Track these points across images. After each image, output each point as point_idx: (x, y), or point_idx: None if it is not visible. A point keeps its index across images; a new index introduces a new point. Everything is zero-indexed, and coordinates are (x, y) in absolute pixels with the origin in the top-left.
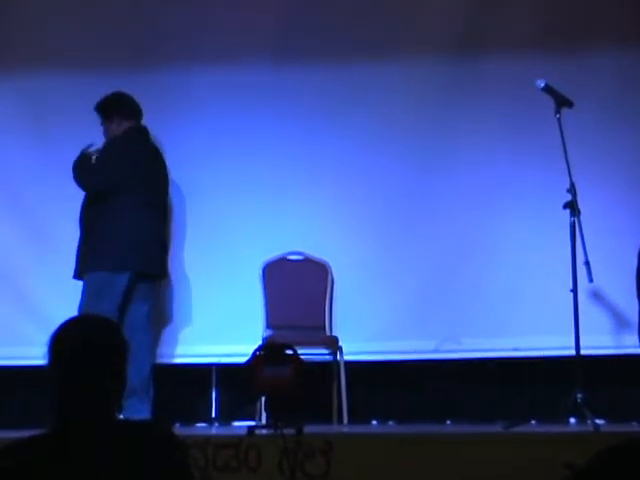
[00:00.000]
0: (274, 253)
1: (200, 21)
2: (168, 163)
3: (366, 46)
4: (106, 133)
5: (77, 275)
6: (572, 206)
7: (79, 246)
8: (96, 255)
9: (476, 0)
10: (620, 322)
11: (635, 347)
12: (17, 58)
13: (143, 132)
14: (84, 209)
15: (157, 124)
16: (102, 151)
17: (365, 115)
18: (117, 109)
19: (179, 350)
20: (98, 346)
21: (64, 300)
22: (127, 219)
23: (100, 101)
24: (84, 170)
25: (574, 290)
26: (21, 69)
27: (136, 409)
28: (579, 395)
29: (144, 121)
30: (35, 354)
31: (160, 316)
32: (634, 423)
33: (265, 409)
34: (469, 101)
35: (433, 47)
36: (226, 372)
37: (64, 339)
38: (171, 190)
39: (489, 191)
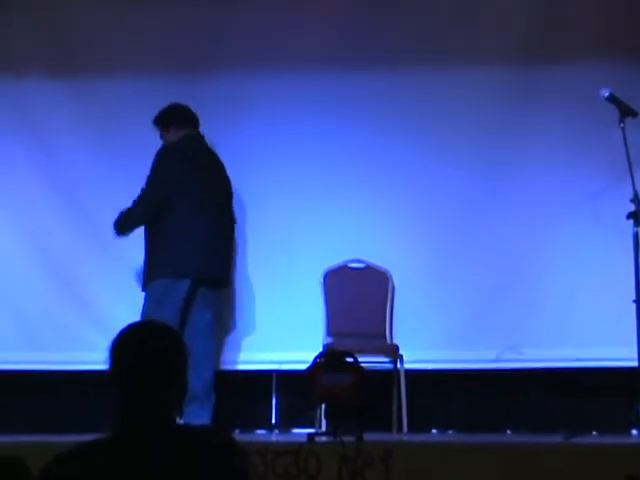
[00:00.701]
0: (335, 261)
1: (262, 28)
2: (228, 171)
3: (431, 56)
4: (164, 143)
5: (143, 287)
6: (636, 216)
7: (144, 259)
8: (157, 264)
9: (540, 10)
10: None
11: None
12: (81, 64)
13: (198, 139)
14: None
15: (217, 132)
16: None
17: (428, 125)
18: (173, 118)
19: (240, 356)
20: (157, 351)
21: (126, 307)
22: (185, 225)
23: (157, 113)
24: (134, 209)
25: (637, 301)
26: (85, 75)
27: (197, 415)
28: None
29: (203, 129)
30: (97, 359)
31: (223, 323)
32: None
33: (325, 416)
34: (531, 111)
35: (497, 57)
36: (287, 379)
37: (124, 344)
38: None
39: (550, 201)
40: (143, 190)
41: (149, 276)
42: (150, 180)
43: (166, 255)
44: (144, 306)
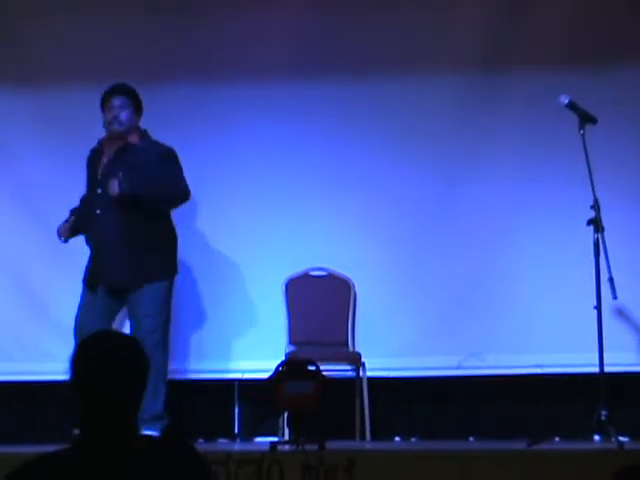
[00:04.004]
0: (297, 269)
1: (218, 34)
2: (189, 178)
3: (396, 64)
4: (125, 123)
5: (127, 284)
6: (596, 222)
7: (120, 254)
8: (165, 263)
9: (499, 17)
10: None
11: None
12: (39, 75)
13: None
14: (116, 216)
15: (178, 139)
16: (167, 158)
17: (391, 132)
18: (142, 108)
19: (202, 365)
20: (119, 361)
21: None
22: (173, 227)
23: (133, 90)
24: (170, 185)
25: (598, 307)
26: (43, 85)
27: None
28: (603, 412)
29: (164, 137)
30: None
31: (183, 332)
32: None
33: (287, 425)
34: (493, 118)
35: (461, 65)
36: (249, 388)
37: (86, 355)
38: (190, 205)
39: (512, 207)
40: (176, 179)
41: (152, 274)
42: (181, 175)
43: (172, 256)
44: (155, 305)
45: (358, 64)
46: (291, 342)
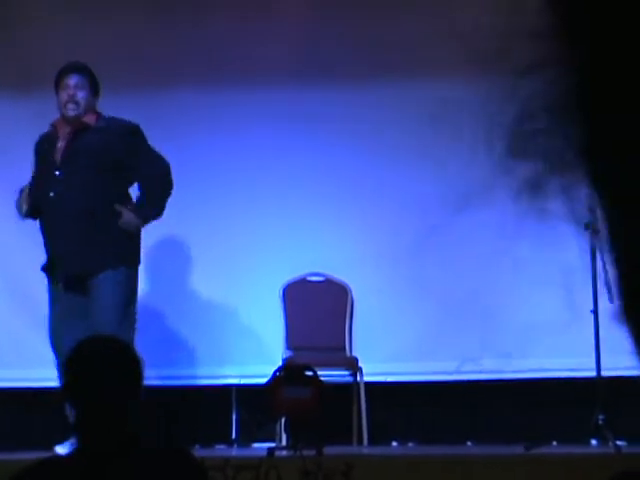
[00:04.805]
0: (295, 274)
1: (219, 36)
2: (183, 182)
3: (396, 70)
4: (81, 104)
5: (83, 272)
6: (592, 226)
7: (74, 240)
8: (124, 250)
9: (500, 21)
10: None
11: None
12: (42, 77)
13: None
14: (78, 199)
15: (170, 141)
16: (142, 144)
17: (391, 137)
18: (99, 87)
19: (199, 371)
20: (115, 367)
21: None
22: None
23: (88, 67)
24: (163, 183)
25: (595, 311)
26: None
27: None
28: (600, 416)
29: (163, 140)
30: (55, 376)
31: (180, 337)
32: None
33: (285, 430)
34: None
35: (459, 70)
36: (246, 393)
37: (80, 361)
38: (188, 210)
39: (509, 216)
40: (155, 161)
41: (115, 259)
42: (154, 151)
43: (133, 243)
44: (121, 291)
45: (359, 68)
46: (288, 347)
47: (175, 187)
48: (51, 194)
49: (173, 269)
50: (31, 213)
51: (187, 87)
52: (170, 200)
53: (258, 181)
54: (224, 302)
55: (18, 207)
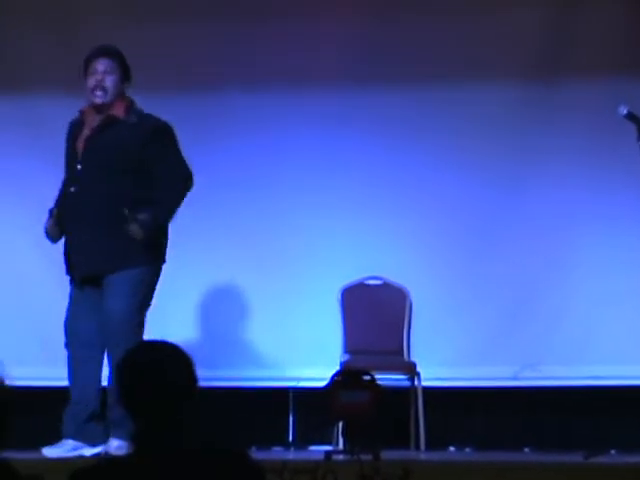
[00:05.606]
0: (353, 278)
1: (265, 40)
2: (236, 181)
3: (448, 71)
4: (109, 90)
5: (101, 270)
6: None
7: (94, 236)
8: (146, 248)
9: (554, 25)
10: None
11: None
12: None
13: None
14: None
15: (225, 145)
16: (169, 146)
17: (446, 141)
18: (130, 74)
19: (257, 373)
20: (174, 372)
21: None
22: None
23: (119, 50)
24: (174, 189)
25: None
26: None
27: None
28: None
29: (205, 141)
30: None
31: (238, 339)
32: None
33: (342, 434)
34: (548, 126)
35: (513, 72)
36: (303, 395)
37: (139, 366)
38: (247, 212)
39: (569, 217)
40: (174, 166)
41: (126, 260)
42: (179, 155)
43: (154, 242)
44: (129, 295)
45: (407, 71)
46: (346, 351)
47: (228, 187)
48: (72, 189)
49: (234, 271)
50: (60, 237)
51: (234, 89)
52: (227, 200)
53: (316, 184)
54: (283, 305)
55: (47, 235)
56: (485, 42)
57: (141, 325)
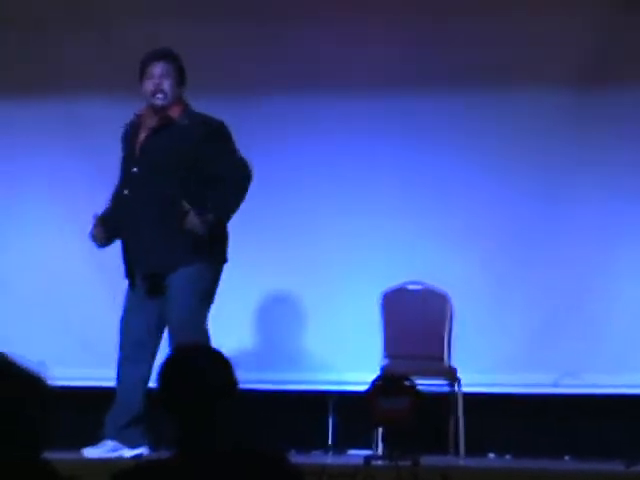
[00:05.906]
0: (394, 282)
1: (317, 46)
2: (281, 188)
3: (496, 78)
4: (168, 94)
5: (160, 270)
6: None
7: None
8: (204, 246)
9: (604, 29)
10: None
11: None
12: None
13: None
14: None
15: (267, 149)
16: (225, 145)
17: (490, 147)
18: (185, 76)
19: (296, 377)
20: (214, 376)
21: None
22: None
23: (175, 53)
24: (237, 188)
25: None
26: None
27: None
28: None
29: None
30: None
31: (279, 342)
32: None
33: (382, 440)
34: (595, 135)
35: (561, 82)
36: (343, 400)
37: (180, 370)
38: (286, 217)
39: (614, 226)
40: (234, 165)
41: (185, 258)
42: (237, 154)
43: (212, 241)
44: (195, 288)
45: (455, 77)
46: (386, 355)
47: (273, 191)
48: (125, 192)
49: (277, 276)
50: (108, 242)
51: (281, 92)
52: (271, 204)
53: (356, 188)
54: (323, 309)
55: (92, 238)
56: (534, 50)
57: (204, 322)
